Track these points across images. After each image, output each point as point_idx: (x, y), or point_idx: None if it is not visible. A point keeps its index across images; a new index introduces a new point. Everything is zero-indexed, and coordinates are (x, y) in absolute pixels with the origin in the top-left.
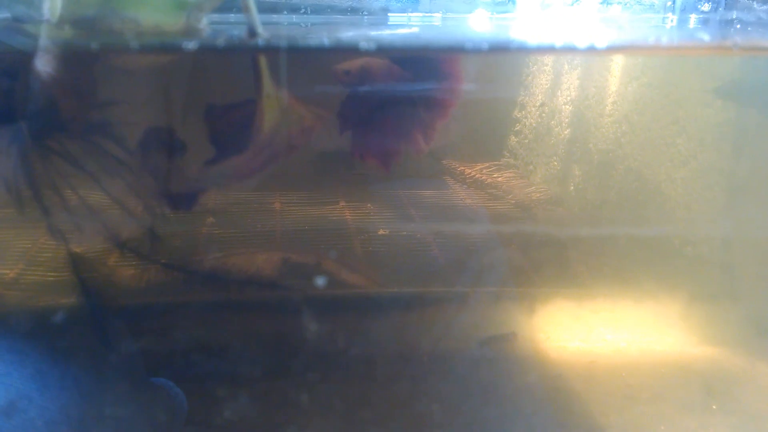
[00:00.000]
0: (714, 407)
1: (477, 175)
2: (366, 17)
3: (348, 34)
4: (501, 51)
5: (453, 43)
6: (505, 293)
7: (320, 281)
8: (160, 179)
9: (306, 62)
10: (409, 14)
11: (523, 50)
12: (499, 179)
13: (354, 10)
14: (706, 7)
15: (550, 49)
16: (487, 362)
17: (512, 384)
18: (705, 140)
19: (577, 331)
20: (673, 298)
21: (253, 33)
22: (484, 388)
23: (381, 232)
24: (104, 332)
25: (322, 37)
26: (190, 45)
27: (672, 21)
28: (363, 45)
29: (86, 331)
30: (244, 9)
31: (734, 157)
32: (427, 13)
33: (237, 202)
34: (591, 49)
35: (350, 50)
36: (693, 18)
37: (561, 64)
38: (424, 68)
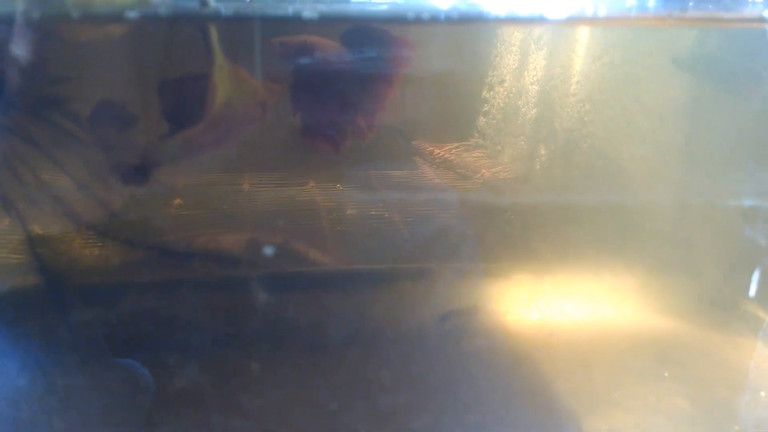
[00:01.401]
0: (666, 375)
1: (446, 155)
2: None
3: (300, 6)
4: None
5: (400, 13)
6: (468, 268)
7: (270, 251)
8: (111, 153)
9: (259, 36)
10: None
11: (465, 19)
12: (468, 159)
13: None
14: None
15: (494, 19)
16: (448, 335)
17: (470, 355)
18: (664, 117)
19: (537, 305)
20: (631, 272)
21: (204, 3)
22: (442, 359)
23: (349, 212)
24: (66, 313)
25: (270, 8)
26: (135, 15)
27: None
28: (307, 14)
29: (48, 312)
30: None
31: (691, 132)
32: None
33: (205, 183)
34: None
35: (304, 21)
36: None
37: (527, 43)
38: (368, 45)
